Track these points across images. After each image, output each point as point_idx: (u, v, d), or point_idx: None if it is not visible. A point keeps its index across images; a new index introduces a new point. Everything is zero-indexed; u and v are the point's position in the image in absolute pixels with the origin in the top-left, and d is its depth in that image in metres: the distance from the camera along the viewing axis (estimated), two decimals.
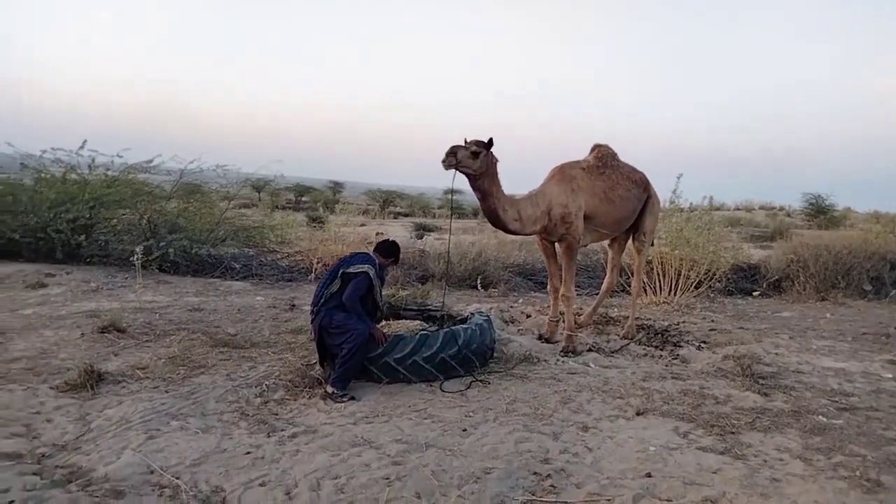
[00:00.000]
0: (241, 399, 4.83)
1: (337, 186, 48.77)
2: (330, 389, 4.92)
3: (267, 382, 5.13)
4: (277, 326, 7.22)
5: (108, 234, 11.66)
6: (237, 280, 11.34)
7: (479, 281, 11.31)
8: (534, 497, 3.39)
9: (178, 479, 3.53)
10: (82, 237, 11.07)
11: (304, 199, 41.52)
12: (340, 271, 5.26)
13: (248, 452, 3.88)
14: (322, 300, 5.22)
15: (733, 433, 4.32)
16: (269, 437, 4.13)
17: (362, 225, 21.50)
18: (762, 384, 5.37)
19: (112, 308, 7.96)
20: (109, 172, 12.26)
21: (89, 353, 5.73)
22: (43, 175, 11.83)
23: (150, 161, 12.79)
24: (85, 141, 12.08)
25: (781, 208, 43.22)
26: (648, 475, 3.63)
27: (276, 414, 4.59)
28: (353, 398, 4.88)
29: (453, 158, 5.60)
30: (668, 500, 3.36)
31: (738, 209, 41.87)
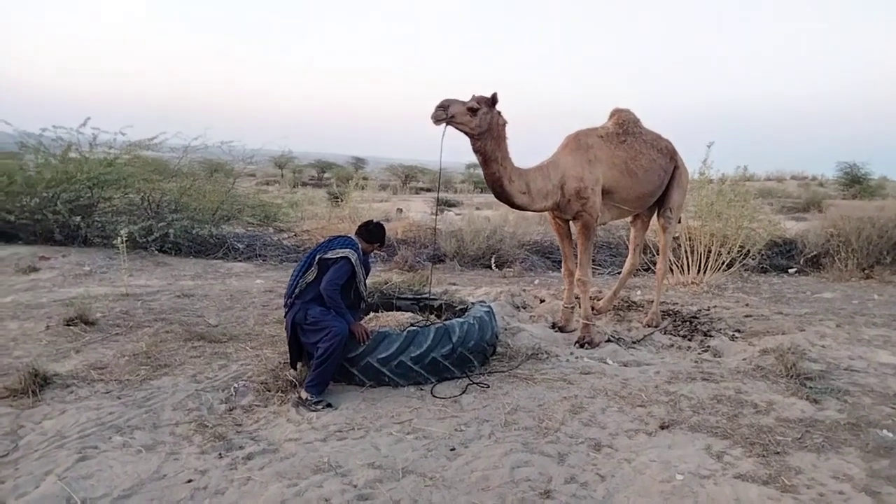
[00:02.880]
0: (202, 406, 4.21)
1: (359, 162, 48.15)
2: (304, 395, 4.26)
3: (236, 385, 4.50)
4: (265, 315, 6.61)
5: (107, 214, 11.21)
6: (240, 261, 10.84)
7: (493, 260, 10.60)
8: None
9: None
10: (79, 218, 10.57)
11: (326, 175, 41.01)
12: (317, 257, 4.56)
13: (190, 480, 3.24)
14: (297, 291, 4.54)
15: (778, 454, 3.55)
16: (220, 458, 3.49)
17: (383, 201, 20.83)
18: (810, 388, 4.55)
19: (97, 294, 7.45)
20: (111, 150, 11.77)
21: (48, 350, 5.17)
22: (42, 153, 11.33)
23: (153, 138, 12.36)
24: (87, 118, 11.63)
25: (814, 178, 41.80)
26: None
27: (240, 425, 3.96)
28: (329, 405, 4.22)
29: (443, 112, 4.88)
30: None
31: (769, 179, 40.53)
